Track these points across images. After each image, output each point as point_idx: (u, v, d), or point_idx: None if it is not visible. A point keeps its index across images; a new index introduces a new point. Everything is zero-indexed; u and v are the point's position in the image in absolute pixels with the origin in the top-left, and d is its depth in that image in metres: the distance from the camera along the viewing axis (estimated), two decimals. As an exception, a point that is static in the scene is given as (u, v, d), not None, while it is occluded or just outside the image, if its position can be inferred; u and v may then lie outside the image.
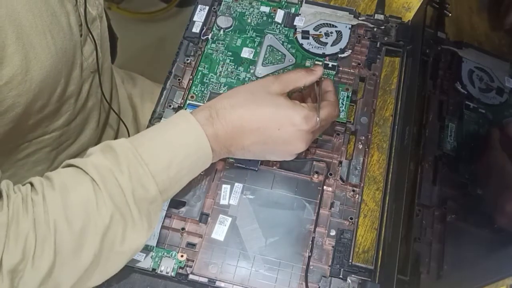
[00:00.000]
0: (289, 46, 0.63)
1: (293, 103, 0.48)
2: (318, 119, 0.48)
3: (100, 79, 0.61)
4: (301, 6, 0.66)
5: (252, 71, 0.61)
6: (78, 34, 0.54)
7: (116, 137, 0.72)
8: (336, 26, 0.64)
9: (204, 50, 0.62)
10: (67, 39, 0.51)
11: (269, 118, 0.47)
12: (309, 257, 0.50)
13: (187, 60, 0.61)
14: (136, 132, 0.76)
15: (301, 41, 0.63)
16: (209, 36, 0.63)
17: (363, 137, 0.56)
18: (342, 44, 0.62)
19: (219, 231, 0.51)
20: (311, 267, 0.50)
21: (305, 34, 0.63)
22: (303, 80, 0.50)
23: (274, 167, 0.55)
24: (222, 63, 0.61)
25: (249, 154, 0.50)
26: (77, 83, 0.56)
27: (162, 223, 0.51)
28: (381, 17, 0.64)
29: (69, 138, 0.61)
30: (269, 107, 0.47)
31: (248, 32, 0.64)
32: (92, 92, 0.61)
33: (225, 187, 0.54)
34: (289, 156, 0.51)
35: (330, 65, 0.61)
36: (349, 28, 0.63)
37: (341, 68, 0.61)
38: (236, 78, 0.60)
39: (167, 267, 0.49)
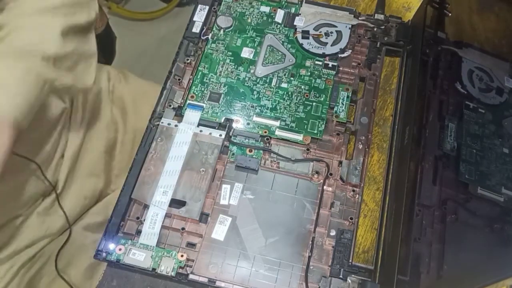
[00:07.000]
0: (289, 46, 0.63)
1: None
2: None
3: None
4: (301, 6, 0.66)
5: (252, 71, 0.61)
6: None
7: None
8: (336, 26, 0.64)
9: (204, 50, 0.62)
10: None
11: None
12: (309, 257, 0.50)
13: (187, 60, 0.61)
14: (128, 137, 0.68)
15: (301, 41, 0.63)
16: (209, 36, 0.63)
17: (363, 137, 0.56)
18: (342, 44, 0.62)
19: (219, 231, 0.51)
20: (311, 267, 0.50)
21: (305, 34, 0.63)
22: None
23: (274, 167, 0.55)
24: (222, 63, 0.61)
25: None
26: None
27: (162, 223, 0.51)
28: (381, 17, 0.64)
29: None
30: None
31: (248, 32, 0.64)
32: None
33: (225, 187, 0.54)
34: None
35: (330, 65, 0.61)
36: (349, 28, 0.63)
37: (341, 68, 0.61)
38: (236, 78, 0.60)
39: (167, 267, 0.49)
